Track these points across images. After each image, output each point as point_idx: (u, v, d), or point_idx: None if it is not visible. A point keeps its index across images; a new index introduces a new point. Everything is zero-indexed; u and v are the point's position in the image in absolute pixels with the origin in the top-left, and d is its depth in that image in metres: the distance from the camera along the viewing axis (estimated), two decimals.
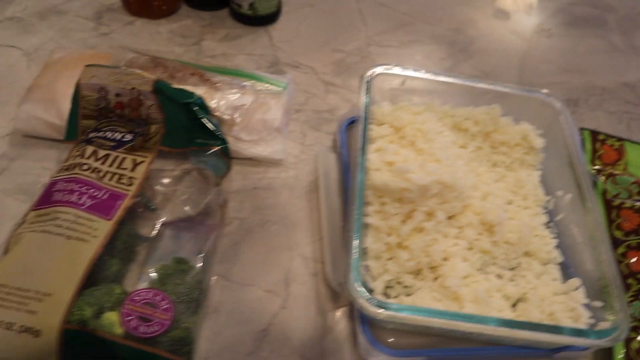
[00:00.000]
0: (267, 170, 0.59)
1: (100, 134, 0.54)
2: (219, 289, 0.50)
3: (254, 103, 0.59)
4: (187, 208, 0.52)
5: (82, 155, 0.52)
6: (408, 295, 0.49)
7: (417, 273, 0.50)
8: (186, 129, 0.54)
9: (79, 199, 0.48)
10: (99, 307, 0.42)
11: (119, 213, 0.48)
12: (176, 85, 0.58)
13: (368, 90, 0.55)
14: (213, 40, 0.72)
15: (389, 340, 0.48)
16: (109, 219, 0.47)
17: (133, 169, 0.52)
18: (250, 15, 0.74)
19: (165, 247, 0.50)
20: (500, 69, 0.76)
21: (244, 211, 0.56)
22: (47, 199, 0.48)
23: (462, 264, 0.49)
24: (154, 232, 0.50)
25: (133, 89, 0.53)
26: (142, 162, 0.53)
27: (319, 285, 0.52)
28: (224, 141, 0.55)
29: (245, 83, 0.61)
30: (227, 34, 0.73)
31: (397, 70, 0.58)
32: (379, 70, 0.57)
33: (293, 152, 0.61)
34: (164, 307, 0.44)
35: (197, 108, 0.54)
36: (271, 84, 0.63)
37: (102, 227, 0.46)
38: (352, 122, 0.62)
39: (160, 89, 0.53)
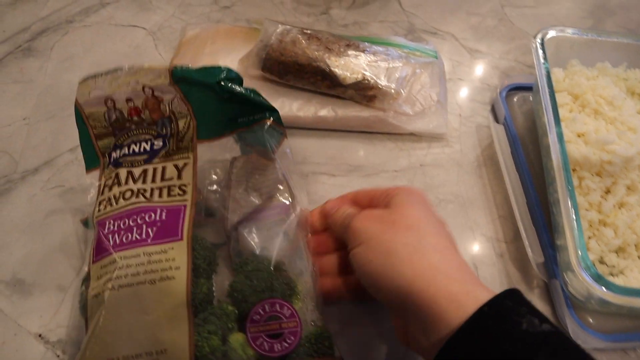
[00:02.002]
0: (430, 146, 0.56)
1: (125, 150, 0.46)
2: None
3: (413, 75, 0.56)
4: (252, 198, 0.45)
5: (118, 183, 0.44)
6: (612, 274, 0.47)
7: (620, 251, 0.47)
8: (222, 111, 0.46)
9: (140, 233, 0.41)
10: (222, 331, 0.38)
11: (187, 228, 0.41)
12: (335, 59, 0.54)
13: (545, 56, 0.51)
14: (341, 9, 0.68)
15: (591, 322, 0.46)
16: (180, 240, 0.40)
17: (180, 176, 0.44)
18: None
19: (245, 247, 0.42)
20: None
21: None
22: (105, 246, 0.41)
23: None
24: (227, 237, 0.43)
25: (144, 87, 0.45)
26: (185, 164, 0.45)
27: (508, 267, 0.49)
28: (273, 109, 0.46)
29: (400, 52, 0.57)
30: (354, 1, 0.69)
31: (569, 32, 0.54)
32: (551, 33, 0.53)
33: (452, 124, 0.58)
34: (287, 314, 0.39)
35: (230, 83, 0.44)
36: (422, 52, 0.59)
37: (179, 253, 0.40)
38: (510, 90, 0.59)
39: (181, 78, 0.45)
